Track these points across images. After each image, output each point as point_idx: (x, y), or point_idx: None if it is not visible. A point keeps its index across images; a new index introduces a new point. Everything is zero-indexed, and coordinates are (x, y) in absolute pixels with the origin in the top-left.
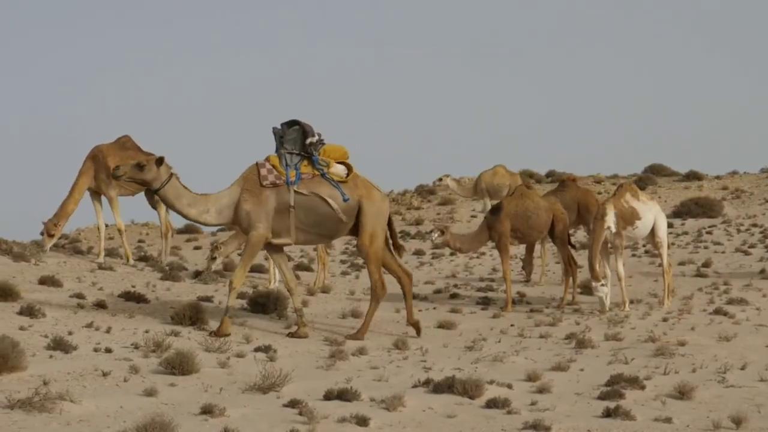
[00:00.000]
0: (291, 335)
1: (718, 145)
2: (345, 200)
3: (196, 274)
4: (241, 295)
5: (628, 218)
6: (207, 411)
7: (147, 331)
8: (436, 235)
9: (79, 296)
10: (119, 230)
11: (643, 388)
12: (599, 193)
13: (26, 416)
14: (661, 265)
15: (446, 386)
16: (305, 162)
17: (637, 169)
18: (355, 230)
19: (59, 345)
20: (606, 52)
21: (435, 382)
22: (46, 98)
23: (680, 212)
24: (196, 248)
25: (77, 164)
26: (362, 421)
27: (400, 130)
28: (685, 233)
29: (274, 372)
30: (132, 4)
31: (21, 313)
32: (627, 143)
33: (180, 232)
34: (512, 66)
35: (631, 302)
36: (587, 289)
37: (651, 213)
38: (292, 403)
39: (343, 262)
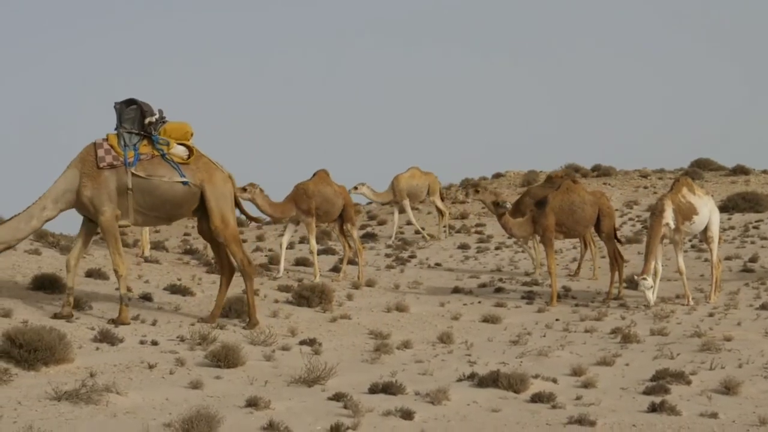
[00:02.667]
0: (55, 316)
1: (765, 139)
2: (184, 183)
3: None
4: (285, 289)
5: (685, 213)
6: (252, 404)
7: (193, 324)
8: (504, 207)
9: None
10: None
11: (688, 383)
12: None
13: (73, 408)
14: (708, 260)
15: (491, 380)
16: (145, 142)
17: (684, 164)
18: (198, 213)
19: (106, 337)
20: (653, 45)
21: (480, 376)
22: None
23: (727, 207)
24: (242, 241)
25: None
26: (407, 415)
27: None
28: (732, 228)
29: (319, 365)
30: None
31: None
32: (674, 137)
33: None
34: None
35: (677, 297)
36: (633, 284)
37: (707, 208)
38: (337, 397)
39: (387, 255)
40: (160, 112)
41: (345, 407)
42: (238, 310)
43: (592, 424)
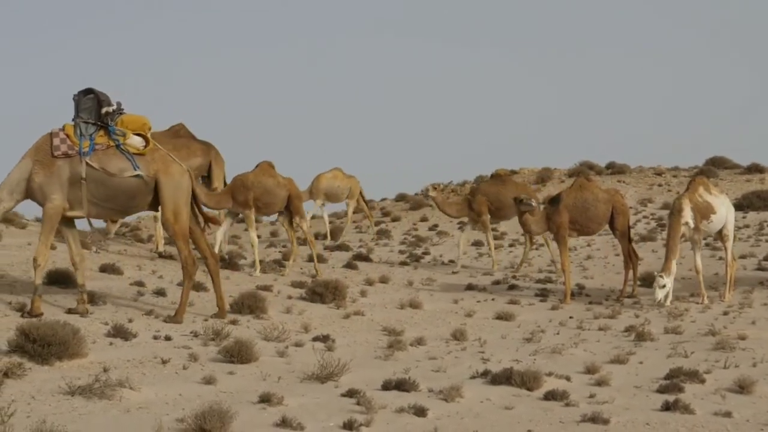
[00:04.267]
0: (69, 311)
1: None
2: (137, 174)
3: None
4: (299, 285)
5: (703, 212)
6: (265, 399)
7: (206, 320)
8: (528, 205)
9: (139, 284)
10: (155, 217)
11: (702, 381)
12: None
13: (86, 402)
14: (722, 258)
15: (504, 378)
16: (101, 132)
17: (699, 161)
18: (154, 205)
19: (119, 332)
20: (668, 42)
21: (493, 373)
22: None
23: (741, 205)
24: (330, 237)
25: None
26: (420, 412)
27: (461, 123)
28: (747, 226)
29: (332, 361)
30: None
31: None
32: (689, 135)
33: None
34: (574, 58)
35: (691, 295)
36: (647, 282)
37: (724, 207)
38: (350, 393)
39: (401, 252)
40: (118, 104)
41: (358, 404)
42: (251, 306)
43: (606, 422)
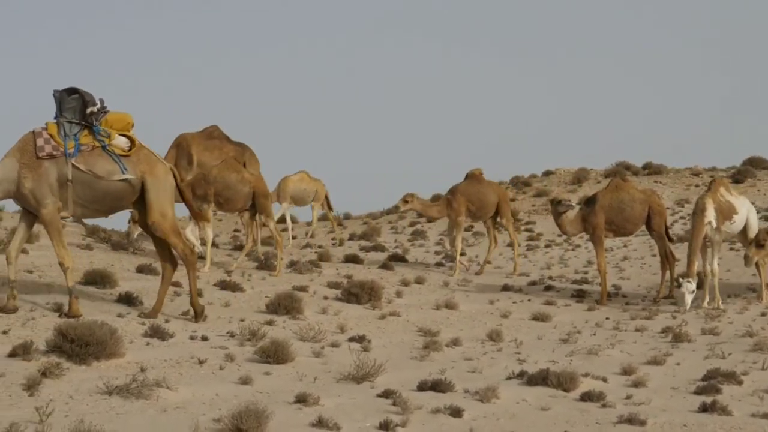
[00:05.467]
0: (64, 315)
1: None
2: (125, 176)
3: (292, 264)
4: (335, 285)
5: (726, 213)
6: (301, 400)
7: (242, 320)
8: (565, 206)
9: (176, 284)
10: (190, 218)
11: (740, 383)
12: (696, 186)
13: (124, 402)
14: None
15: (540, 378)
16: (85, 132)
17: (736, 162)
18: (139, 204)
19: (156, 332)
20: (704, 41)
21: (529, 374)
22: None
23: None
24: (292, 238)
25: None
26: (456, 412)
27: (497, 123)
28: None
29: (368, 362)
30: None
31: (119, 300)
32: (726, 135)
33: (281, 220)
34: (612, 58)
35: (729, 297)
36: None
37: (745, 208)
38: (386, 393)
39: (437, 253)
40: (102, 101)
41: (394, 404)
42: (287, 306)
43: (643, 423)
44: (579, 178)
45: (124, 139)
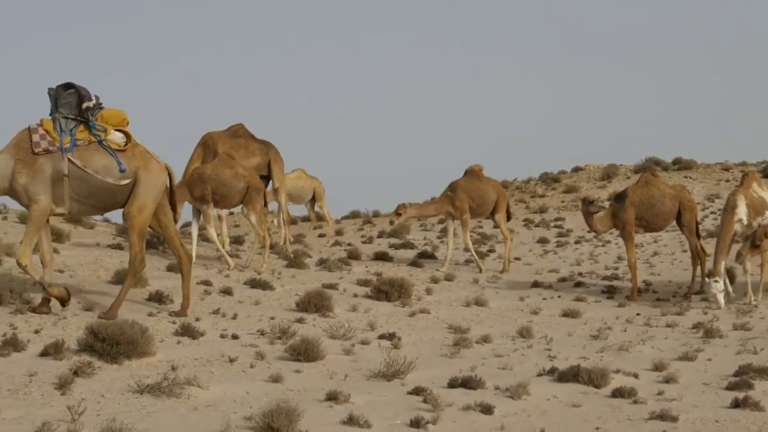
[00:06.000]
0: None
1: None
2: (121, 170)
3: (321, 262)
4: (364, 283)
5: (758, 209)
6: (332, 397)
7: (273, 318)
8: (598, 207)
9: (206, 283)
10: (219, 216)
11: None
12: (726, 181)
13: (155, 401)
14: None
15: (571, 375)
16: (81, 127)
17: (767, 156)
18: None
19: (187, 331)
20: (731, 35)
21: (560, 370)
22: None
23: None
24: (321, 236)
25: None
26: (487, 409)
27: (527, 120)
28: None
29: (398, 359)
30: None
31: (150, 299)
32: (756, 129)
33: (305, 219)
34: (641, 56)
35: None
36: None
37: None
38: (417, 391)
39: (467, 250)
40: (97, 98)
41: (425, 401)
42: (317, 304)
43: (674, 419)
44: (608, 174)
45: (119, 135)
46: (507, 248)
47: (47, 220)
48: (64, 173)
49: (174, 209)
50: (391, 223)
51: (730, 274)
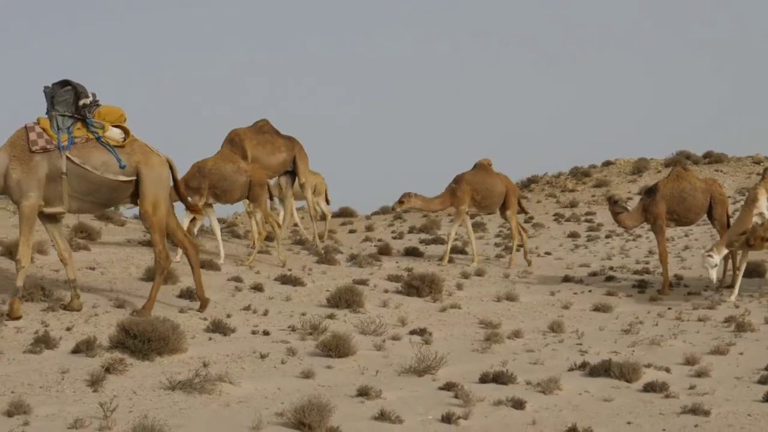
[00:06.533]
0: (64, 307)
1: None
2: (121, 167)
3: (352, 257)
4: (395, 278)
5: None
6: (363, 393)
7: (303, 314)
8: (621, 208)
9: (237, 279)
10: (248, 213)
11: None
12: (757, 174)
13: (187, 397)
14: None
15: (603, 369)
16: (78, 125)
17: None
18: (135, 198)
19: (218, 327)
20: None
21: (591, 365)
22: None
23: None
24: (351, 231)
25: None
26: (518, 404)
27: (555, 113)
28: None
29: (429, 355)
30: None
31: (181, 296)
32: None
33: (335, 215)
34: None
35: None
36: (748, 272)
37: None
38: (448, 386)
39: (497, 245)
40: (93, 95)
41: (456, 397)
42: (348, 300)
43: (706, 413)
44: (639, 168)
45: (118, 131)
46: (514, 245)
47: (59, 219)
48: (62, 171)
49: (185, 201)
50: (393, 209)
51: (762, 268)
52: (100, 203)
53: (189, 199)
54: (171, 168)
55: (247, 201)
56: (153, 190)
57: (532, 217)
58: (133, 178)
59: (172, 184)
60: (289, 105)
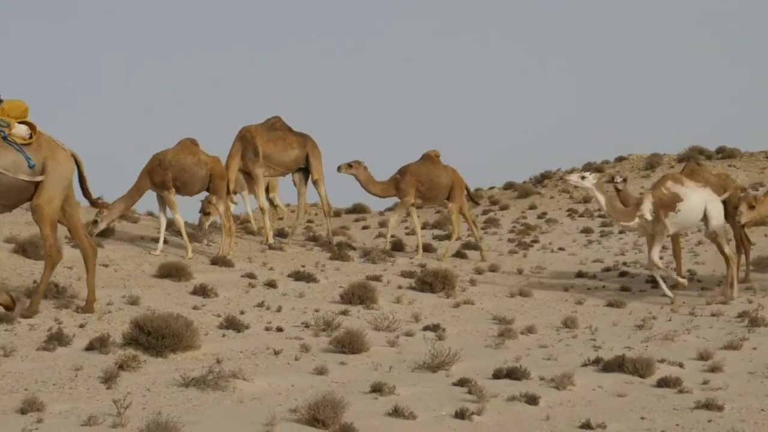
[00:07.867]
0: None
1: None
2: (31, 166)
3: (365, 253)
4: (408, 274)
5: None
6: (377, 389)
7: (317, 311)
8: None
9: (250, 276)
10: (261, 209)
11: None
12: None
13: (200, 394)
14: None
15: (616, 365)
16: None
17: None
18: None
19: (231, 324)
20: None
21: (605, 360)
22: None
23: None
24: (365, 228)
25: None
26: (532, 400)
27: (568, 108)
28: None
29: (443, 351)
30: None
31: (194, 293)
32: None
33: (348, 211)
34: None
35: None
36: (760, 267)
37: None
38: (462, 382)
39: (510, 240)
40: None
41: (469, 392)
42: (361, 296)
43: (720, 408)
44: (652, 163)
45: (24, 127)
46: (453, 238)
47: None
48: None
49: (88, 197)
50: (339, 169)
51: None
52: (9, 205)
53: (93, 196)
54: (77, 162)
55: (257, 196)
56: (54, 185)
57: (545, 213)
58: (43, 177)
59: (77, 178)
60: (306, 100)
